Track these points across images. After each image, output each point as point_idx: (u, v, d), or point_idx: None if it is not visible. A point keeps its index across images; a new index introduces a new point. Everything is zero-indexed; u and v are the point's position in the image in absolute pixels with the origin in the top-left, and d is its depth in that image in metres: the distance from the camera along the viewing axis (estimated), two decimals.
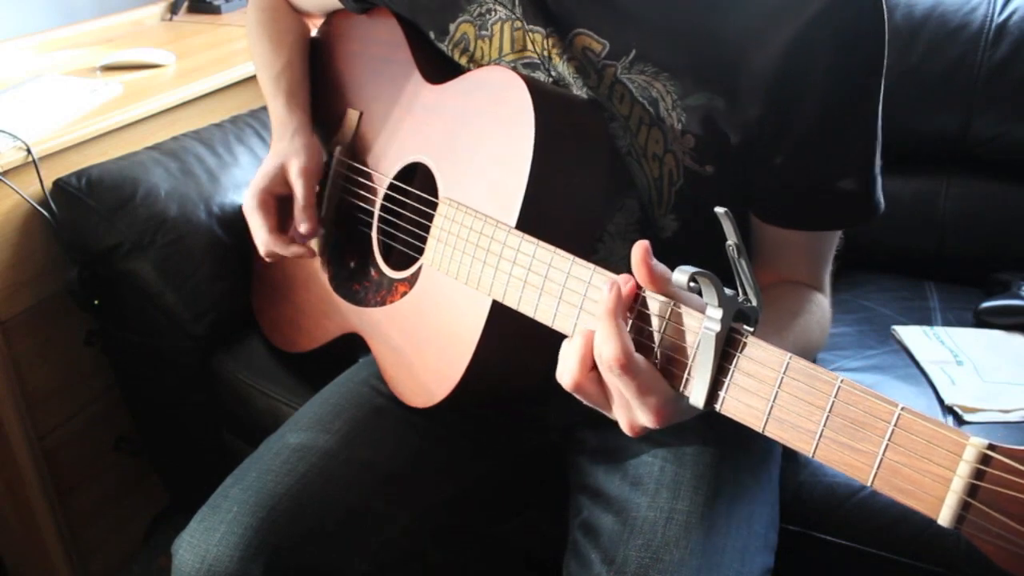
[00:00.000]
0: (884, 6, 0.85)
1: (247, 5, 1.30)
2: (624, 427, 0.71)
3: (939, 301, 1.52)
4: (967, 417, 1.20)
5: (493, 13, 0.99)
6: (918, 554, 1.09)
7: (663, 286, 0.68)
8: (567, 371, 0.72)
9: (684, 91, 0.89)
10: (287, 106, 1.16)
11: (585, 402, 0.73)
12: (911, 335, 1.40)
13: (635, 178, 0.94)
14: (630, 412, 0.70)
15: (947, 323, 1.45)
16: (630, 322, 0.70)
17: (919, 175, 1.62)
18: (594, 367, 0.70)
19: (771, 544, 0.97)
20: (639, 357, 0.67)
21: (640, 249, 0.68)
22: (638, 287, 0.70)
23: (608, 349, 0.67)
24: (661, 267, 0.69)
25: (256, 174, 1.11)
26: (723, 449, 0.96)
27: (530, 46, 0.96)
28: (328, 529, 0.94)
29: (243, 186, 1.52)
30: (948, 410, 1.22)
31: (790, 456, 1.17)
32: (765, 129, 0.88)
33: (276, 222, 1.11)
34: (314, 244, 1.18)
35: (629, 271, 0.70)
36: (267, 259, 1.13)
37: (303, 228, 1.10)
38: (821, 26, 0.83)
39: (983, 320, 1.43)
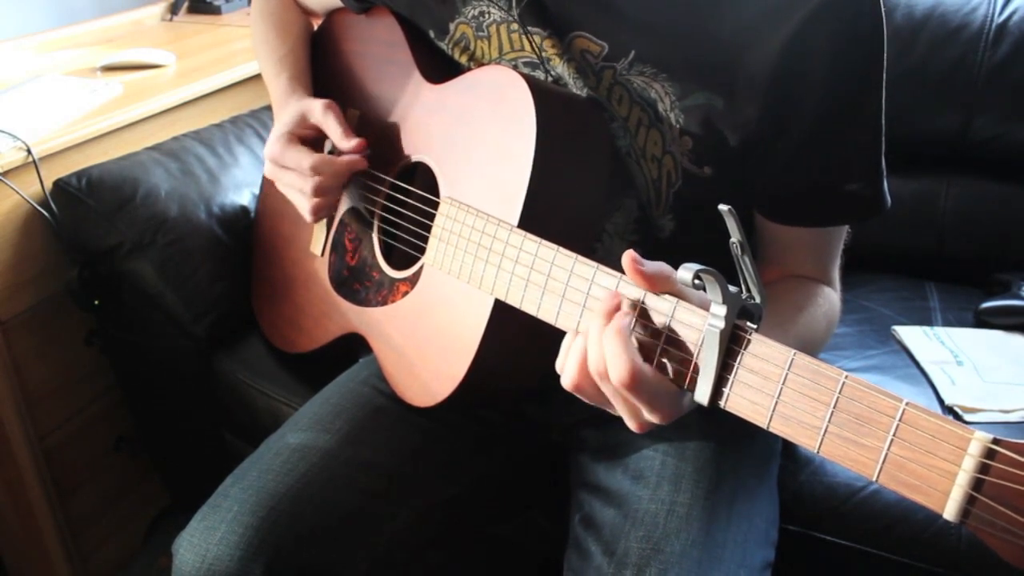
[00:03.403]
0: (882, 6, 0.85)
1: (249, 5, 1.30)
2: (631, 426, 0.71)
3: (939, 301, 1.52)
4: (967, 417, 1.20)
5: (488, 15, 0.99)
6: (918, 554, 1.09)
7: (664, 286, 0.68)
8: (567, 373, 0.72)
9: (683, 92, 0.89)
10: (290, 83, 1.15)
11: (585, 400, 0.73)
12: (911, 335, 1.40)
13: (634, 178, 0.94)
14: (639, 416, 0.70)
15: (947, 323, 1.45)
16: (634, 321, 0.70)
17: (919, 175, 1.62)
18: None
19: (772, 540, 0.97)
20: (645, 369, 0.67)
21: (628, 260, 0.68)
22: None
23: (615, 370, 0.66)
24: (656, 267, 0.69)
25: (275, 126, 1.09)
26: (724, 445, 0.97)
27: (528, 47, 0.96)
28: (328, 529, 0.94)
29: (243, 186, 1.52)
30: (948, 410, 1.22)
31: (790, 455, 1.17)
32: (764, 129, 0.88)
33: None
34: (316, 246, 1.18)
35: None
36: (317, 198, 1.05)
37: (352, 144, 1.05)
38: (817, 25, 0.83)
39: (983, 320, 1.43)
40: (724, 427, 0.96)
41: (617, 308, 0.70)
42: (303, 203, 1.07)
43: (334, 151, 1.08)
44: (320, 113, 1.06)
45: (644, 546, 0.87)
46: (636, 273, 0.69)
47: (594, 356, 0.69)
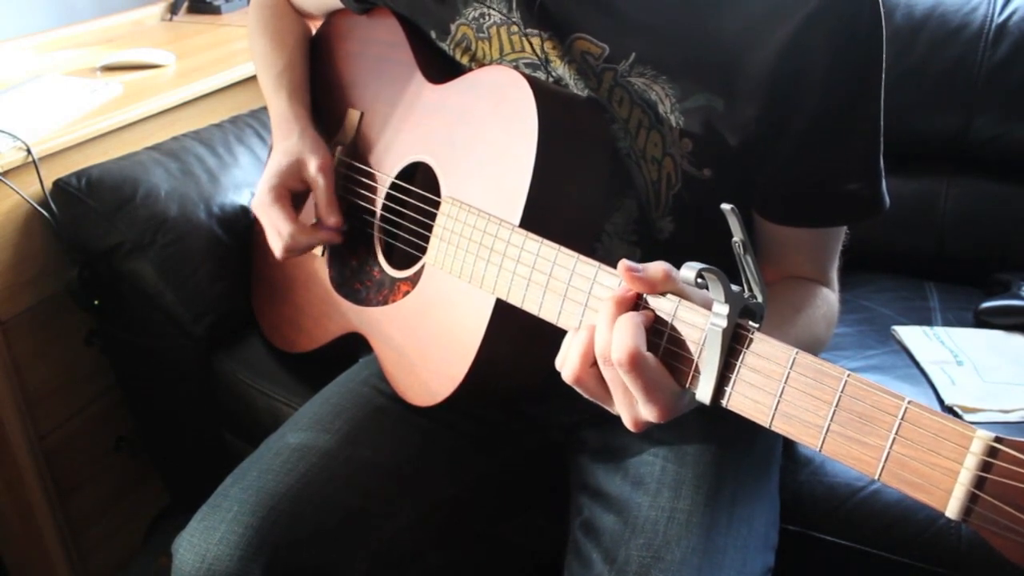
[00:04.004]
0: (881, 6, 0.85)
1: (248, 5, 1.30)
2: (627, 422, 0.71)
3: (939, 301, 1.53)
4: (967, 417, 1.20)
5: (488, 17, 0.99)
6: (919, 554, 1.09)
7: (666, 285, 0.68)
8: (568, 363, 0.71)
9: (683, 93, 0.89)
10: (290, 103, 1.16)
11: (584, 395, 0.73)
12: (911, 335, 1.40)
13: (633, 180, 0.94)
14: (633, 408, 0.70)
15: (947, 323, 1.45)
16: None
17: (919, 175, 1.62)
18: (595, 363, 0.70)
19: (772, 543, 0.97)
20: (649, 355, 0.67)
21: (623, 269, 0.68)
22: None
23: (619, 348, 0.66)
24: (655, 268, 0.68)
25: (266, 172, 1.10)
26: (724, 448, 0.97)
27: (529, 48, 0.96)
28: (328, 528, 0.94)
29: (243, 186, 1.52)
30: (948, 410, 1.22)
31: (790, 456, 1.17)
32: (764, 130, 0.88)
33: (296, 215, 1.10)
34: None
35: None
36: (286, 255, 1.10)
37: (331, 221, 1.09)
38: (816, 26, 0.83)
39: (983, 320, 1.43)
40: (724, 429, 0.96)
41: (633, 299, 0.69)
42: (275, 248, 1.11)
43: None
44: (313, 172, 1.09)
45: (644, 554, 0.87)
46: (634, 281, 0.68)
47: (602, 338, 0.68)
